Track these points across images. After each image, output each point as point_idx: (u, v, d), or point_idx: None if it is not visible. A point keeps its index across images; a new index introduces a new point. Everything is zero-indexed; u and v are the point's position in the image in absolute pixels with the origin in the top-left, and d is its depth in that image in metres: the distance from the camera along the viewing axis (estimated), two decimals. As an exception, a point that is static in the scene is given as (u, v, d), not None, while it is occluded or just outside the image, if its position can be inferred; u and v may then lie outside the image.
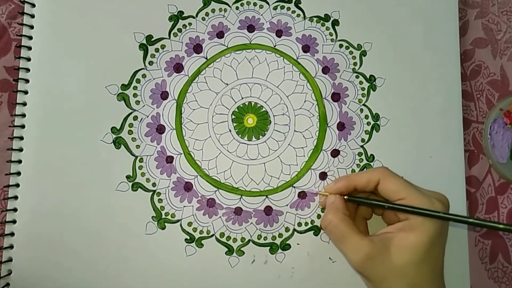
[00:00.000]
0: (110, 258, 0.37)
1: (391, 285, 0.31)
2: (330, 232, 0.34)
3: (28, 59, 0.39)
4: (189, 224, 0.38)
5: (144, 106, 0.39)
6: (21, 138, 0.38)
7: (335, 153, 0.40)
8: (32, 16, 0.39)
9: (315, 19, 0.42)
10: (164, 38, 0.40)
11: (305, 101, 0.40)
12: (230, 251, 0.38)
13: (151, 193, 0.38)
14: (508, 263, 0.42)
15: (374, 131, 0.41)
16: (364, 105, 0.41)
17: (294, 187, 0.39)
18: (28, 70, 0.38)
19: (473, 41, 0.45)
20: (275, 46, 0.41)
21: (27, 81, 0.38)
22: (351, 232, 0.32)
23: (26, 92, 0.38)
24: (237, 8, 0.41)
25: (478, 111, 0.44)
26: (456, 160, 0.41)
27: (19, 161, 0.37)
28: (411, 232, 0.31)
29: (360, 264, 0.31)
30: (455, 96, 0.42)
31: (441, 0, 0.43)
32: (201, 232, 0.38)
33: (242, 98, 0.40)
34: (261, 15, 0.41)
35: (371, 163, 0.40)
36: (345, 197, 0.35)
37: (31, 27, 0.39)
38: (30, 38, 0.39)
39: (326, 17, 0.42)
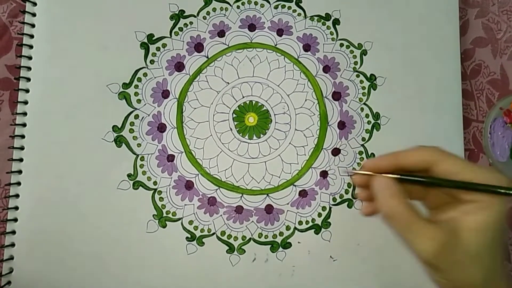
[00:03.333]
0: (111, 256, 0.37)
1: (466, 272, 0.29)
2: (395, 220, 0.29)
3: (30, 58, 0.39)
4: (190, 222, 0.38)
5: (145, 104, 0.39)
6: (22, 136, 0.38)
7: (335, 151, 0.40)
8: (34, 14, 0.39)
9: (316, 18, 0.42)
10: (165, 37, 0.40)
11: (306, 100, 0.40)
12: (231, 249, 0.38)
13: (152, 191, 0.38)
14: (508, 261, 0.42)
15: (374, 130, 0.41)
16: (364, 104, 0.41)
17: (295, 185, 0.39)
18: (29, 68, 0.38)
19: (473, 41, 0.45)
20: (276, 45, 0.41)
21: (28, 79, 0.38)
22: (418, 220, 0.28)
23: (27, 91, 0.38)
24: (238, 7, 0.41)
25: (478, 110, 0.44)
26: (456, 159, 0.41)
27: (21, 160, 0.37)
28: (482, 213, 0.28)
29: (434, 253, 0.28)
30: (455, 95, 0.42)
31: (442, 0, 0.43)
32: (202, 230, 0.38)
33: (243, 97, 0.40)
34: (262, 14, 0.41)
35: (372, 162, 0.40)
36: (396, 176, 0.30)
37: (33, 25, 0.39)
38: (32, 36, 0.39)
39: (327, 16, 0.42)
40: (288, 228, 0.39)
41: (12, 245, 0.37)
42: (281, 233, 0.39)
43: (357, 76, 0.41)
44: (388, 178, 0.30)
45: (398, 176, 0.30)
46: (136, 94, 0.39)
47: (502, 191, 0.29)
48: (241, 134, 0.40)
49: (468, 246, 0.28)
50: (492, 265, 0.29)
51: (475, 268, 0.29)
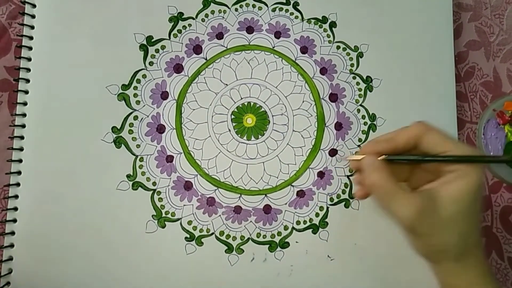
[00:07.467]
0: (110, 257, 0.37)
1: (442, 236, 0.31)
2: (378, 192, 0.32)
3: (29, 59, 0.39)
4: (189, 222, 0.38)
5: (144, 106, 0.39)
6: (22, 137, 0.38)
7: (333, 152, 0.41)
8: (33, 16, 0.39)
9: (313, 21, 0.42)
10: (164, 39, 0.40)
11: (303, 102, 0.41)
12: (229, 249, 0.38)
13: (151, 192, 0.38)
14: (501, 260, 0.43)
15: (370, 131, 0.41)
16: (361, 105, 0.42)
17: (293, 186, 0.40)
18: (28, 70, 0.39)
19: (467, 44, 0.46)
20: (273, 47, 0.42)
21: (27, 81, 0.39)
22: (398, 189, 0.31)
23: (26, 92, 0.38)
24: (236, 9, 0.42)
25: (472, 112, 0.45)
26: (450, 159, 0.42)
27: (20, 160, 0.38)
28: (459, 181, 0.31)
29: (412, 219, 0.31)
30: (449, 97, 0.43)
31: (436, 4, 0.44)
32: (201, 230, 0.38)
33: (242, 98, 0.41)
34: (260, 16, 0.42)
35: (368, 163, 0.41)
36: (382, 156, 0.33)
37: (32, 27, 0.39)
38: (31, 38, 0.39)
39: (324, 19, 0.42)
40: (286, 228, 0.39)
41: (11, 246, 0.37)
42: (279, 233, 0.39)
43: (354, 78, 0.42)
44: (373, 156, 0.33)
45: (385, 157, 0.33)
46: (135, 95, 0.39)
47: (475, 159, 0.31)
48: (239, 135, 0.40)
49: (445, 212, 0.31)
50: (466, 231, 0.31)
51: (450, 233, 0.31)
